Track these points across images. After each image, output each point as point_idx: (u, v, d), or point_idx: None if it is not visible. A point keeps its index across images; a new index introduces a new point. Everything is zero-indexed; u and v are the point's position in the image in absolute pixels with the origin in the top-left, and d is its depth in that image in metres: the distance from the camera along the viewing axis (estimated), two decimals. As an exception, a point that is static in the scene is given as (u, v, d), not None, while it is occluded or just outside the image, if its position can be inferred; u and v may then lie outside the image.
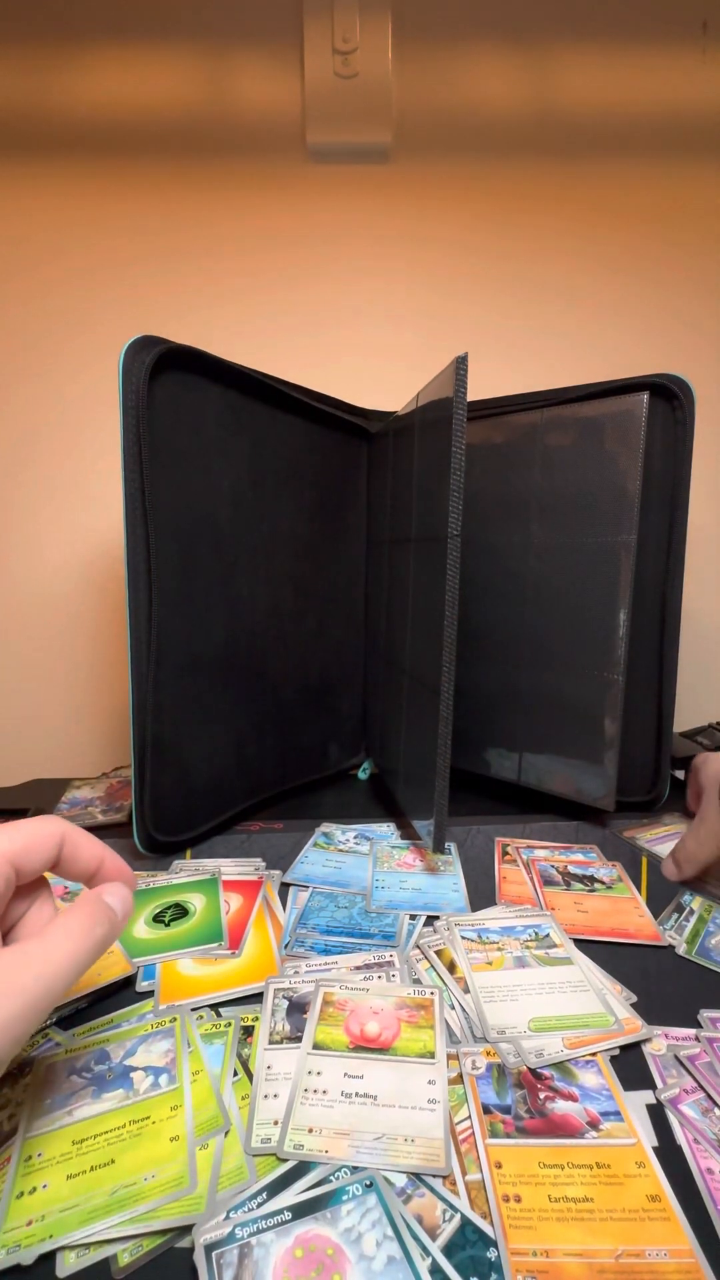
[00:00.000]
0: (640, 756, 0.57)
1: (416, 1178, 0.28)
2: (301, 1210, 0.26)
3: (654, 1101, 0.31)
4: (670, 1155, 0.29)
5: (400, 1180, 0.28)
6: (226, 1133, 0.30)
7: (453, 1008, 0.37)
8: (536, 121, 0.72)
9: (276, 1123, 0.30)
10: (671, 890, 0.48)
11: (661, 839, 0.55)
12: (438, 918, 0.44)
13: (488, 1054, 0.34)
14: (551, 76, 0.71)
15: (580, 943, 0.42)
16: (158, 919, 0.44)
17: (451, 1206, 0.27)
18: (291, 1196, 0.27)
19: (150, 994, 0.38)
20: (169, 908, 0.45)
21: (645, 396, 0.51)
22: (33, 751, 0.78)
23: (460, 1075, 0.33)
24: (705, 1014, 0.36)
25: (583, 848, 0.54)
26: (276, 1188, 0.27)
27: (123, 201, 0.71)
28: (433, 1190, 0.27)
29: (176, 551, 0.49)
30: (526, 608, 0.58)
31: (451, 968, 0.40)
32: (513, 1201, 0.27)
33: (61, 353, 0.73)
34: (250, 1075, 0.33)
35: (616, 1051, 0.34)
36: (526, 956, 0.41)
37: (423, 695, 0.49)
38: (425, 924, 0.44)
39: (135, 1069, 0.33)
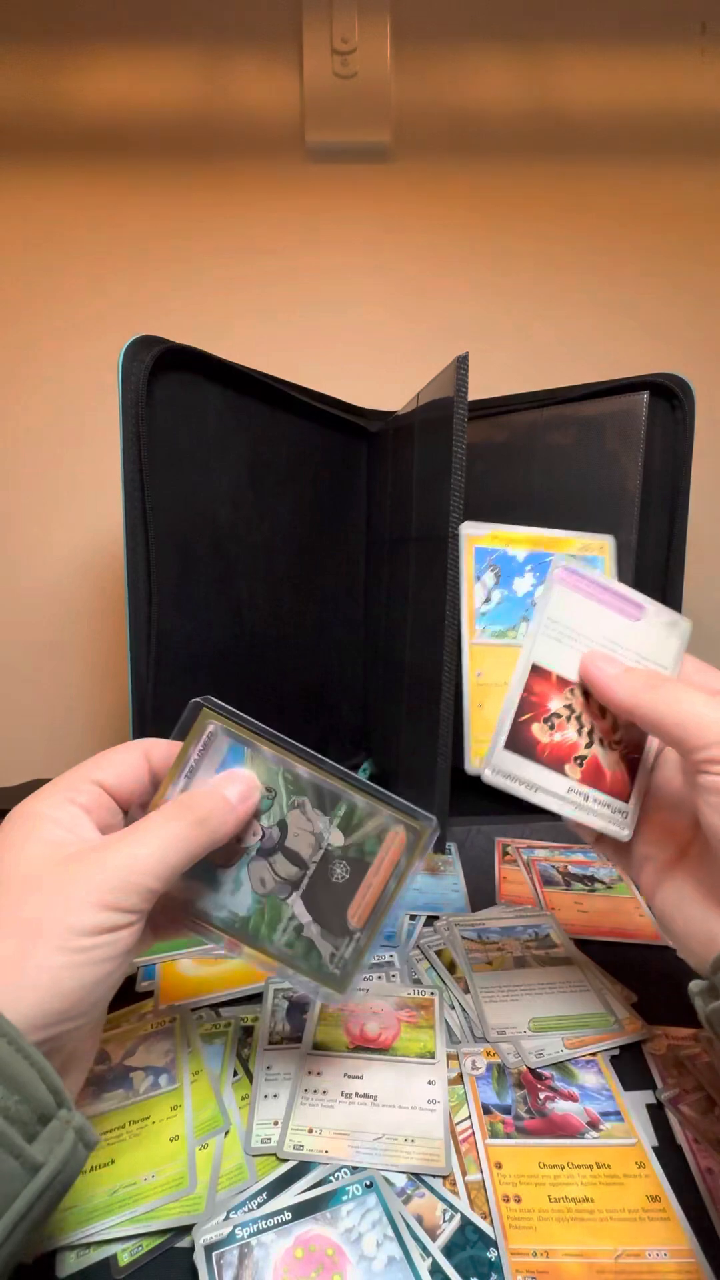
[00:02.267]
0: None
1: (416, 1178, 0.28)
2: (301, 1210, 0.26)
3: (654, 1101, 0.31)
4: (670, 1155, 0.29)
5: (400, 1180, 0.28)
6: (226, 1133, 0.30)
7: (453, 1008, 0.37)
8: (535, 121, 0.72)
9: (276, 1123, 0.30)
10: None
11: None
12: (438, 918, 0.44)
13: (488, 1054, 0.34)
14: (550, 77, 0.71)
15: (580, 943, 0.42)
16: (158, 919, 0.44)
17: (451, 1207, 0.27)
18: (291, 1197, 0.27)
19: (150, 994, 0.38)
20: (169, 908, 0.45)
21: (645, 396, 0.51)
22: (33, 751, 0.78)
23: (460, 1075, 0.33)
24: (705, 1014, 0.36)
25: (583, 848, 0.54)
26: (276, 1188, 0.27)
27: (122, 201, 0.71)
28: (433, 1190, 0.27)
29: (176, 551, 0.49)
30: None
31: (451, 968, 0.40)
32: (513, 1202, 0.27)
33: (60, 352, 0.72)
34: (250, 1075, 0.33)
35: (616, 1051, 0.34)
36: (526, 957, 0.41)
37: (423, 695, 0.49)
38: (425, 924, 0.44)
39: (135, 1069, 0.33)
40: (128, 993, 0.39)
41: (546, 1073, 0.33)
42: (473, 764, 0.29)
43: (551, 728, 0.30)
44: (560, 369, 0.74)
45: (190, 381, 0.49)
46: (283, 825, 0.29)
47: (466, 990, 0.38)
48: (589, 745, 0.30)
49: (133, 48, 0.69)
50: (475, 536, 0.31)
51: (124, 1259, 0.25)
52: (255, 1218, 0.26)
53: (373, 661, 0.68)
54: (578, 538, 0.32)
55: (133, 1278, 0.25)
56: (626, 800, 0.30)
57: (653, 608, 0.31)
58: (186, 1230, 0.26)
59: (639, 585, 0.53)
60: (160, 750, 0.30)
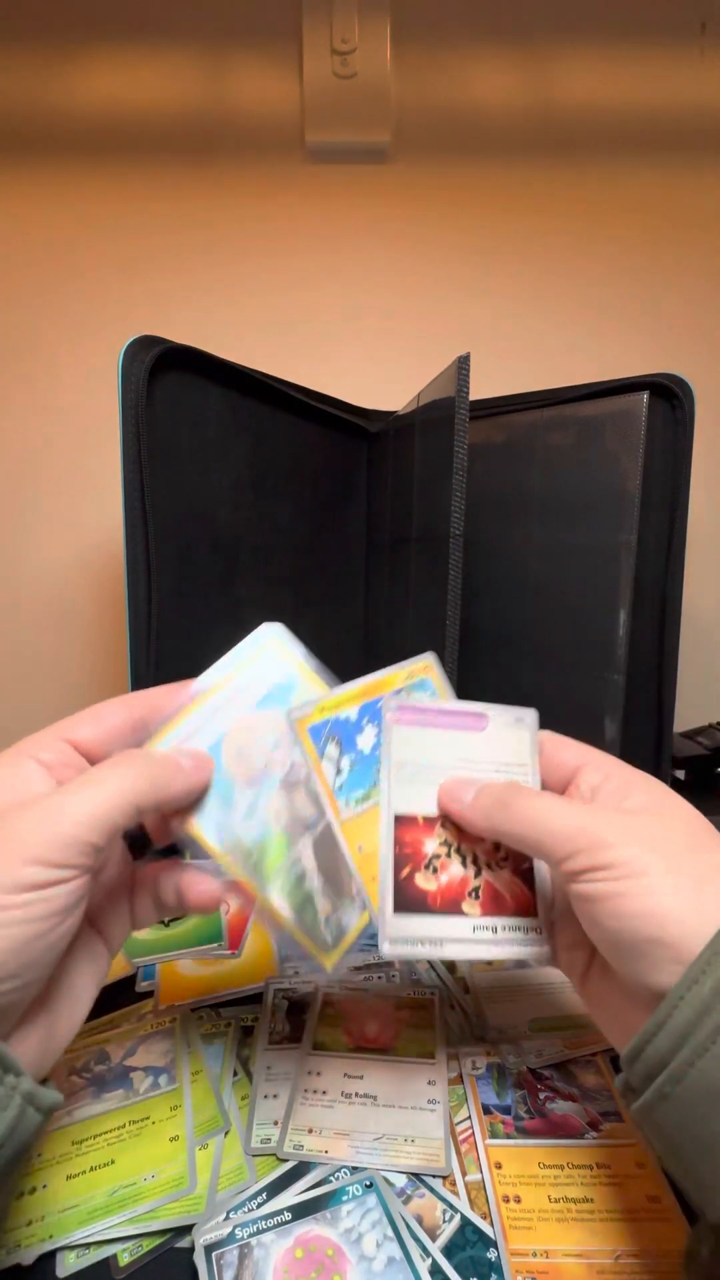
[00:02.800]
0: (640, 756, 0.57)
1: (416, 1178, 0.28)
2: (301, 1211, 0.26)
3: (654, 1102, 0.31)
4: (670, 1155, 0.29)
5: (400, 1181, 0.28)
6: (226, 1133, 0.30)
7: (453, 1008, 0.37)
8: (535, 121, 0.72)
9: (276, 1123, 0.30)
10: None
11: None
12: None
13: (487, 1054, 0.34)
14: (550, 77, 0.71)
15: (580, 943, 0.42)
16: (158, 919, 0.44)
17: (451, 1207, 0.27)
18: (291, 1197, 0.27)
19: (150, 994, 0.38)
20: (169, 908, 0.45)
21: (645, 396, 0.51)
22: (33, 752, 0.78)
23: (460, 1075, 0.33)
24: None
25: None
26: (276, 1188, 0.27)
27: (122, 201, 0.71)
28: (433, 1191, 0.27)
29: (176, 551, 0.49)
30: (526, 608, 0.58)
31: (452, 968, 0.40)
32: (512, 1202, 0.27)
33: (61, 352, 0.72)
34: (250, 1075, 0.33)
35: (616, 1052, 0.34)
36: (526, 956, 0.41)
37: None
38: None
39: (135, 1069, 0.33)
40: (128, 992, 0.39)
41: (546, 1073, 0.33)
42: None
43: (435, 871, 0.28)
44: (560, 369, 0.74)
45: (190, 381, 0.49)
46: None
47: (467, 990, 0.38)
48: (478, 874, 0.28)
49: (133, 48, 0.69)
50: (303, 718, 0.29)
51: (124, 1259, 0.25)
52: (255, 1218, 0.26)
53: (373, 662, 0.68)
54: (399, 670, 0.31)
55: (133, 1278, 0.25)
56: (535, 914, 0.28)
57: (494, 712, 0.30)
58: (186, 1230, 0.26)
59: (638, 585, 0.53)
60: (149, 700, 0.28)
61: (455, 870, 0.28)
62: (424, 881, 0.28)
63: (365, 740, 0.30)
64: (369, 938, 0.28)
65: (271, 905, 0.27)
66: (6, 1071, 0.21)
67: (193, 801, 0.27)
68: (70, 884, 0.23)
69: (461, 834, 0.29)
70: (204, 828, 0.27)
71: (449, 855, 0.28)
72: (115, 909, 0.28)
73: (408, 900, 0.27)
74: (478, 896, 0.28)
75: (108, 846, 0.24)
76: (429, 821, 0.28)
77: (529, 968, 0.40)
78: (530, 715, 0.30)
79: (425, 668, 0.32)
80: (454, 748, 0.29)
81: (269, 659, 0.30)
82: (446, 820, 0.29)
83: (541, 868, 0.29)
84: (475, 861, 0.28)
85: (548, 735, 0.30)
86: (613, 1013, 0.26)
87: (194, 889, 0.28)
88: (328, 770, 0.29)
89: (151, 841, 0.29)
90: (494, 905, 0.28)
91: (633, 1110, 0.22)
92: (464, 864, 0.28)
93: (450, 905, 0.27)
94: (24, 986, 0.22)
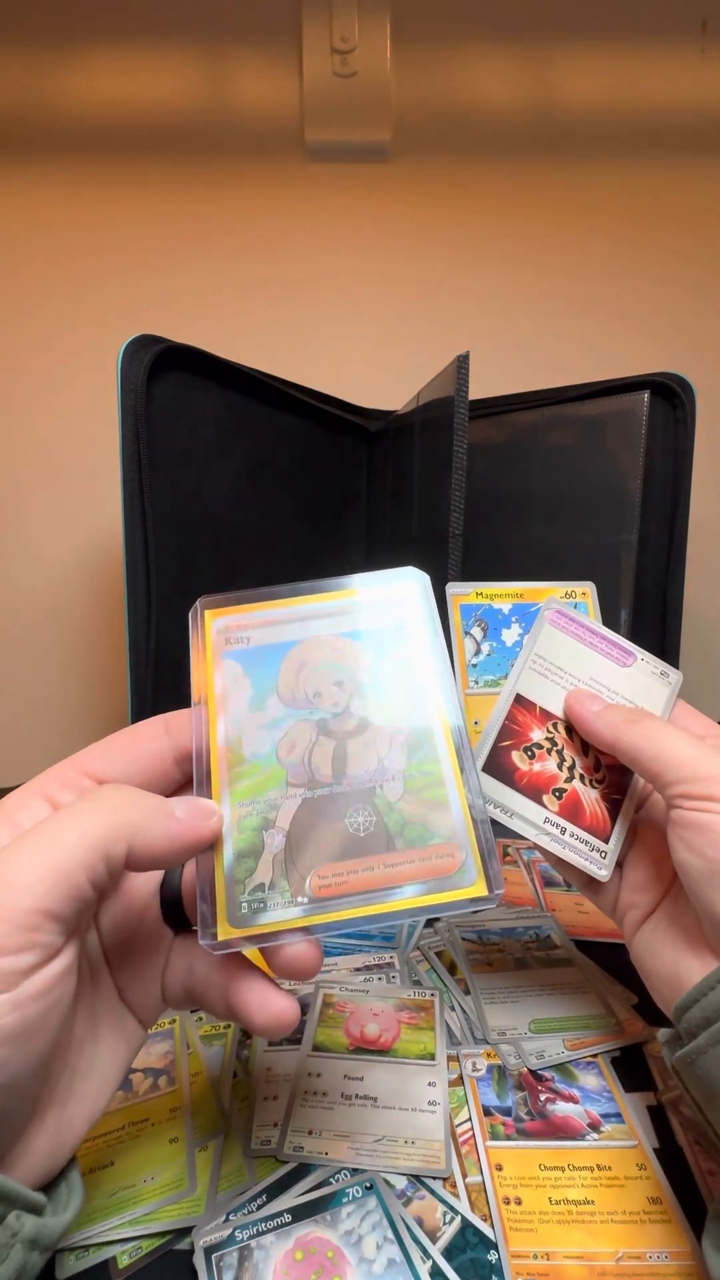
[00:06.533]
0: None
1: (417, 1180, 0.28)
2: (301, 1213, 0.26)
3: (655, 1103, 0.31)
4: (671, 1157, 0.29)
5: (400, 1182, 0.27)
6: (226, 1135, 0.30)
7: (453, 1009, 0.37)
8: (535, 120, 0.72)
9: (276, 1125, 0.30)
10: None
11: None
12: (438, 919, 0.44)
13: (488, 1056, 0.34)
14: (550, 76, 0.71)
15: (581, 944, 0.42)
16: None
17: (452, 1209, 0.27)
18: (291, 1199, 0.27)
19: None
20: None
21: (646, 395, 0.51)
22: (32, 752, 0.78)
23: (461, 1077, 0.33)
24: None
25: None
26: (276, 1190, 0.27)
27: (122, 201, 0.71)
28: (433, 1192, 0.27)
29: (176, 551, 0.49)
30: (527, 607, 0.58)
31: (452, 969, 0.40)
32: (513, 1204, 0.27)
33: (60, 352, 0.72)
34: (250, 1077, 0.33)
35: (617, 1053, 0.34)
36: (527, 958, 0.41)
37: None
38: (425, 925, 0.44)
39: (134, 1071, 0.33)
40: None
41: (547, 1074, 0.33)
42: None
43: (531, 757, 0.30)
44: (560, 368, 0.74)
45: (190, 381, 0.49)
46: (365, 723, 0.24)
47: (467, 992, 0.38)
48: (569, 779, 0.29)
49: (132, 47, 0.69)
50: (459, 595, 0.32)
51: (123, 1261, 0.25)
52: (255, 1220, 0.26)
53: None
54: (560, 586, 0.33)
55: (132, 1280, 0.25)
56: (606, 840, 0.29)
57: (644, 657, 0.32)
58: (186, 1232, 0.26)
59: (638, 585, 0.53)
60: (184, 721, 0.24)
61: (549, 766, 0.30)
62: (518, 760, 0.29)
63: (509, 635, 0.32)
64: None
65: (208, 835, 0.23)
66: (8, 1207, 0.17)
67: (186, 857, 0.22)
68: (33, 977, 0.18)
69: (570, 740, 0.30)
70: (221, 702, 0.24)
71: (549, 753, 0.30)
72: (145, 982, 0.24)
73: (496, 766, 0.29)
74: (560, 798, 0.29)
75: (78, 913, 0.19)
76: (544, 715, 0.30)
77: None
78: (676, 676, 0.32)
79: (584, 593, 0.34)
80: (592, 668, 0.31)
81: (392, 601, 0.27)
82: (559, 724, 0.30)
83: (631, 804, 0.30)
84: (571, 769, 0.30)
85: (686, 706, 0.31)
86: (665, 963, 0.27)
87: (267, 1008, 0.22)
88: (468, 646, 0.32)
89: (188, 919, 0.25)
90: (571, 813, 0.29)
91: (675, 1059, 0.23)
92: (559, 766, 0.30)
93: (532, 791, 0.29)
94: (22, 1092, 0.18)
